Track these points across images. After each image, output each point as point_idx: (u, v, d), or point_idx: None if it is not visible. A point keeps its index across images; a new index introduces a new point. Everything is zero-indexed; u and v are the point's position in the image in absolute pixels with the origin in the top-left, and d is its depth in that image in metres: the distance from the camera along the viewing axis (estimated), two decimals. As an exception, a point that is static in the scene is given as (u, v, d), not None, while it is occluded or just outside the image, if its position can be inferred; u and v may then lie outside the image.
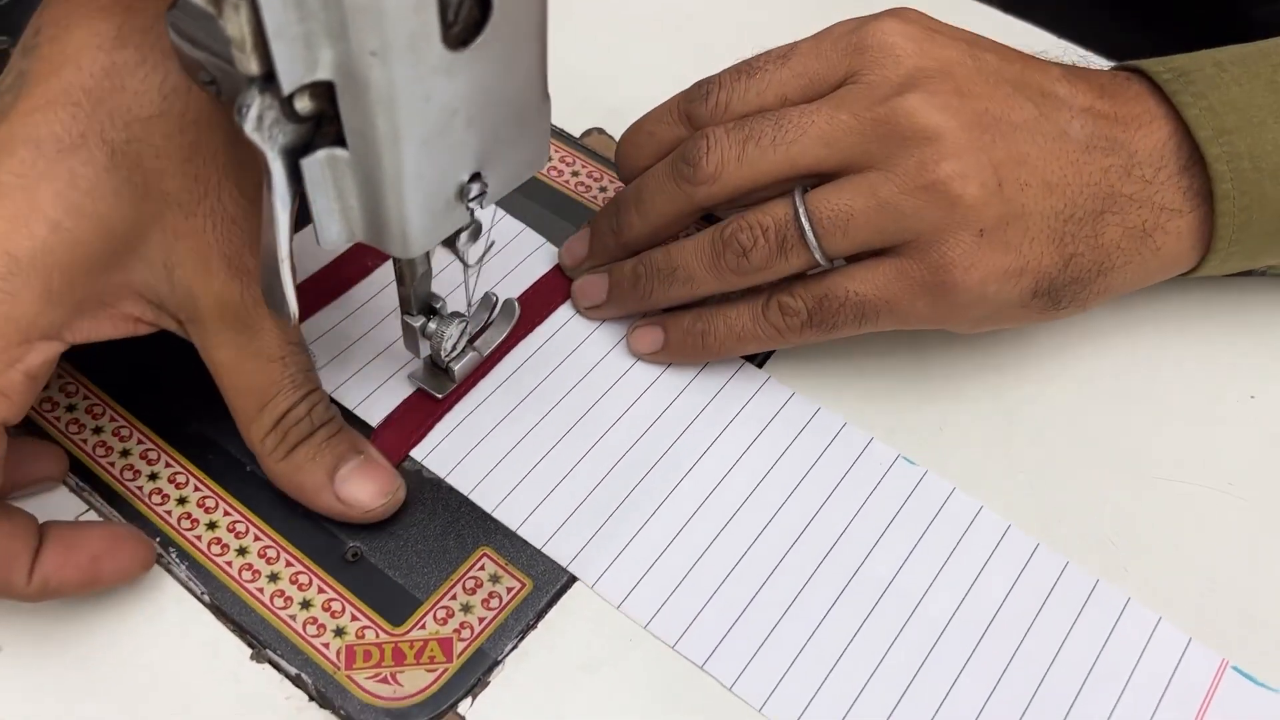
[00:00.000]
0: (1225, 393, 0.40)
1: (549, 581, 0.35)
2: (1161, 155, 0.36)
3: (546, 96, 0.31)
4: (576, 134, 0.47)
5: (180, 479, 0.37)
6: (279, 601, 0.34)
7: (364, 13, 0.25)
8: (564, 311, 0.41)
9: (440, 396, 0.38)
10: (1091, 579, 0.35)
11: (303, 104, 0.27)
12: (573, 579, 0.35)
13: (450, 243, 0.33)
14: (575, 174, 0.46)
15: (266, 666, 0.33)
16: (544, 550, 0.35)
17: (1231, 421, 0.40)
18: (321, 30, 0.25)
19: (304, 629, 0.34)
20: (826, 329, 0.37)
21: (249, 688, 0.33)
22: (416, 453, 0.38)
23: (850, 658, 0.33)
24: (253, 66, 0.26)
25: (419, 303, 0.35)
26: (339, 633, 0.34)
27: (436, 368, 0.39)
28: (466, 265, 0.34)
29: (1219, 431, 0.39)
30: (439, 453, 0.37)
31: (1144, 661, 0.34)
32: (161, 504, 0.36)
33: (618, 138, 0.41)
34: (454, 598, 0.34)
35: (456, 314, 0.36)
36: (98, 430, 0.37)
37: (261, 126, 0.27)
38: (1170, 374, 0.41)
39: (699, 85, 0.38)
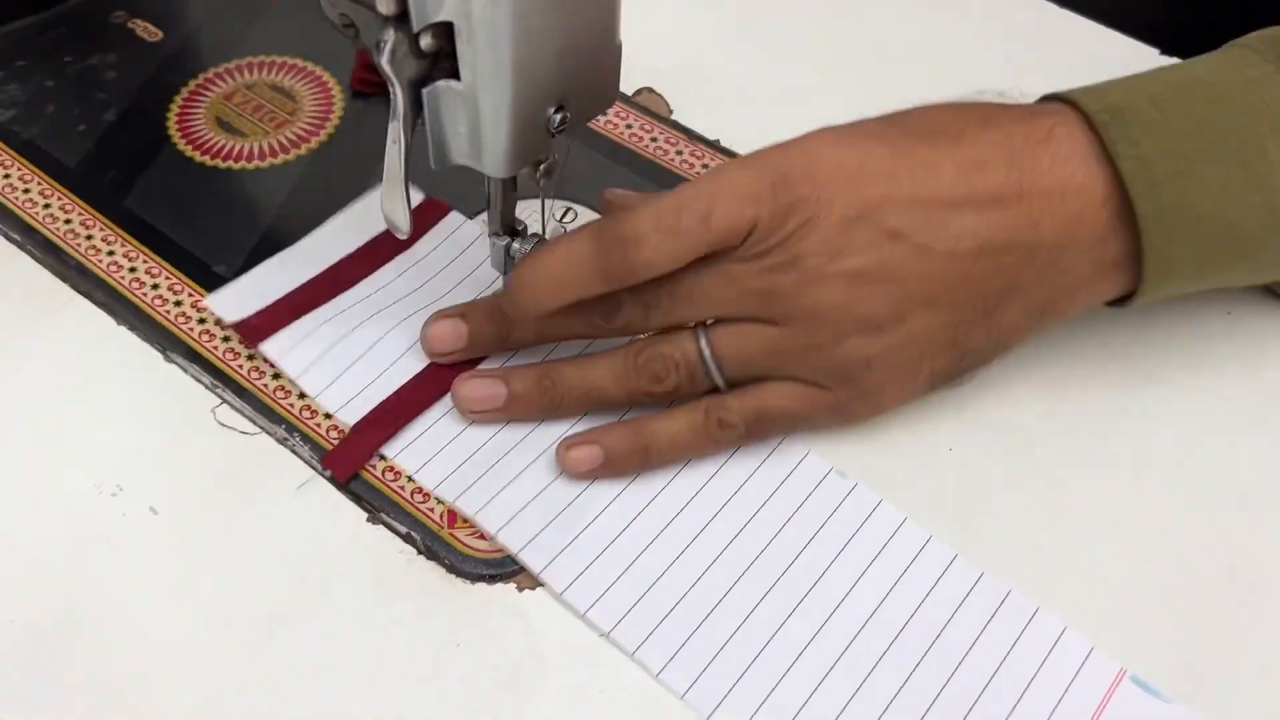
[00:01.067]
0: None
1: (617, 461, 0.41)
2: (1076, 227, 0.37)
3: (618, 40, 0.37)
4: (630, 92, 0.53)
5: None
6: (389, 475, 0.40)
7: (485, -38, 0.31)
8: None
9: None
10: (1005, 587, 0.37)
11: (426, 41, 0.33)
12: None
13: (532, 171, 0.39)
14: (629, 126, 0.52)
15: (381, 527, 0.39)
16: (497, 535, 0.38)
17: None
18: (448, -24, 0.31)
19: (411, 497, 0.40)
20: (759, 438, 0.40)
21: (368, 544, 0.39)
22: (388, 450, 0.40)
23: (770, 650, 0.36)
24: (391, 7, 0.32)
25: (505, 224, 0.41)
26: (441, 499, 0.40)
27: (516, 286, 0.44)
28: (542, 186, 0.39)
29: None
30: (411, 450, 0.40)
31: (1046, 667, 0.36)
32: (285, 398, 0.42)
33: (668, 97, 0.46)
34: (537, 473, 0.40)
35: (536, 234, 0.42)
36: (226, 339, 0.44)
37: (394, 59, 0.33)
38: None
39: (620, 235, 0.37)
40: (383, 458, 0.40)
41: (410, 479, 0.40)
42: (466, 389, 0.40)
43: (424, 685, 0.35)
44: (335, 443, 0.41)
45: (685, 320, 0.39)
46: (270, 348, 0.42)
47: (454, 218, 0.47)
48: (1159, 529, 0.39)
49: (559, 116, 0.37)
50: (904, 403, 0.40)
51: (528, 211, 0.42)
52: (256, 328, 0.43)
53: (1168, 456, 0.41)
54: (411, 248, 0.46)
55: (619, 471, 0.39)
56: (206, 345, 0.43)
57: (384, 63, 0.33)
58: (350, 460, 0.40)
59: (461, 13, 0.32)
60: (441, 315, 0.42)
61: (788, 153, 0.37)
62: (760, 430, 0.40)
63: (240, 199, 0.49)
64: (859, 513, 0.39)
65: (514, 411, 0.40)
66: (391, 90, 0.34)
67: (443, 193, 0.48)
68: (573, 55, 0.35)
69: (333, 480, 0.40)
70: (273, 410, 0.42)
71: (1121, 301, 0.40)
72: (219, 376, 0.42)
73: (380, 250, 0.46)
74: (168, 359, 0.43)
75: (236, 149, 0.50)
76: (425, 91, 0.34)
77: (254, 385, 0.42)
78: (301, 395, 0.42)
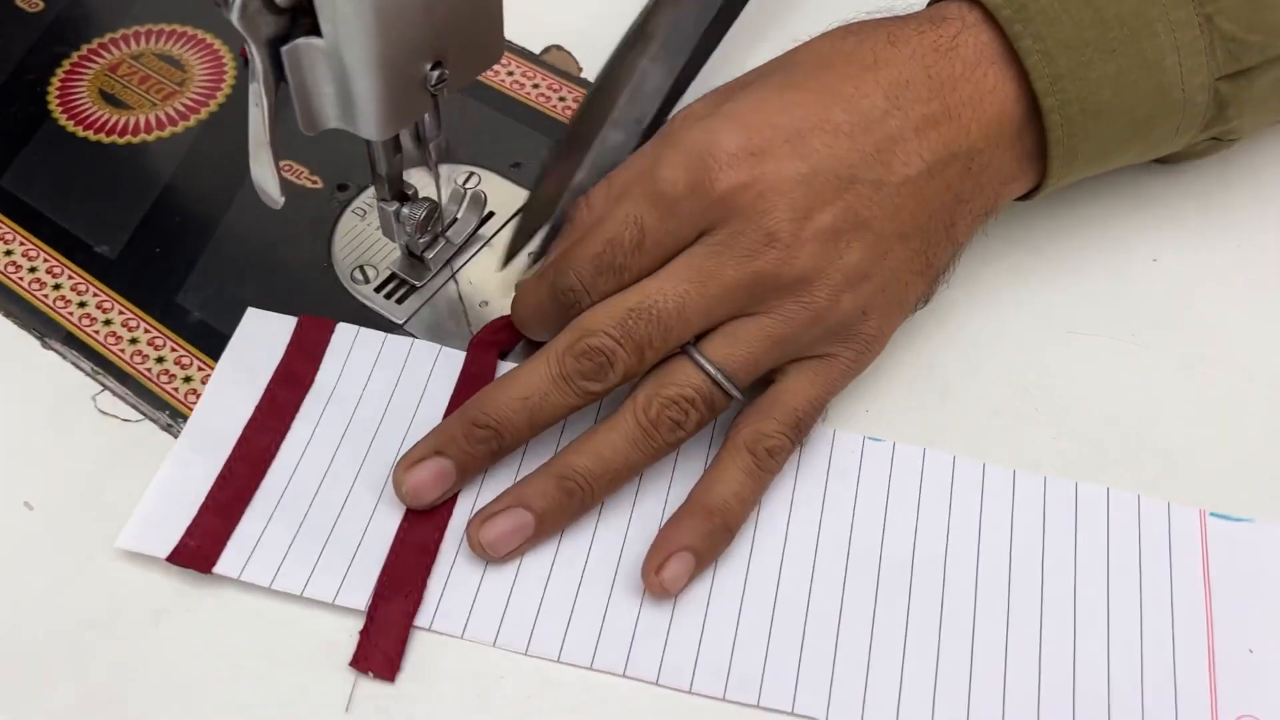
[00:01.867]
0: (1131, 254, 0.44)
1: (520, 436, 0.39)
2: (999, 126, 0.37)
3: (498, -3, 0.35)
4: (537, 50, 0.51)
5: (185, 360, 0.41)
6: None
7: (330, -95, 0.28)
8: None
9: (419, 284, 0.42)
10: (1070, 483, 0.37)
11: (281, -4, 0.31)
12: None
13: (417, 136, 0.37)
14: (535, 86, 0.49)
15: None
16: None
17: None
18: (295, -75, 0.29)
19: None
20: (803, 439, 0.38)
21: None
22: (420, 620, 0.35)
23: (846, 627, 0.35)
24: (236, -39, 0.30)
25: (392, 189, 0.39)
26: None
27: (413, 257, 0.42)
28: (427, 149, 0.37)
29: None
30: (445, 613, 0.35)
31: (1144, 543, 0.36)
32: (169, 382, 0.40)
33: (577, 55, 0.44)
34: (435, 451, 0.38)
35: (427, 198, 0.40)
36: (107, 323, 0.41)
37: (246, 15, 0.31)
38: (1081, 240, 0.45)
39: (561, 272, 0.37)
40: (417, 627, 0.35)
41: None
42: (490, 533, 0.35)
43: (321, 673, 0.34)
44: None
45: (680, 342, 0.36)
46: (227, 568, 0.35)
47: (344, 332, 0.41)
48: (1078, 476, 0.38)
49: (436, 74, 0.34)
50: (892, 334, 0.39)
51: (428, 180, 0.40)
52: (198, 551, 0.35)
53: (1092, 406, 0.40)
54: (313, 386, 0.39)
55: (710, 561, 0.36)
56: (87, 330, 0.41)
57: (235, 20, 0.31)
58: (386, 652, 0.34)
59: (314, -37, 0.30)
60: (412, 461, 0.36)
61: (712, 131, 0.36)
62: (802, 433, 0.37)
63: (125, 175, 0.46)
64: (908, 466, 0.38)
65: (547, 531, 0.36)
66: (248, 51, 0.32)
67: (325, 158, 0.45)
68: (445, 7, 0.33)
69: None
70: (156, 395, 0.40)
71: (1028, 195, 0.41)
72: (100, 362, 0.40)
73: (281, 404, 0.39)
74: (45, 345, 0.41)
75: (121, 123, 0.48)
76: (284, 50, 0.32)
77: (136, 370, 0.40)
78: (187, 379, 0.40)
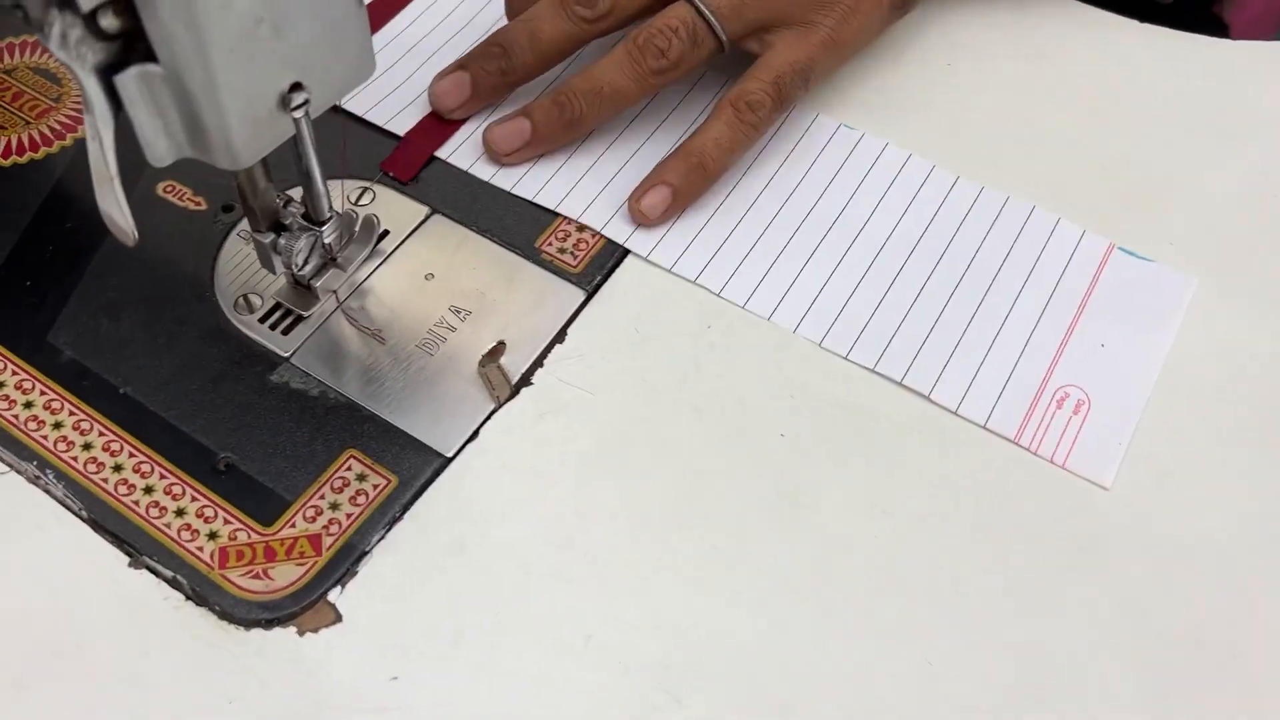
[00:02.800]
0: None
1: (415, 476, 0.37)
2: None
3: (360, 3, 0.32)
4: (437, 53, 0.48)
5: (55, 405, 0.38)
6: (154, 511, 0.36)
7: (143, -77, 0.26)
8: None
9: (306, 314, 0.40)
10: (1003, 195, 0.43)
11: (108, 21, 0.28)
12: (438, 471, 0.37)
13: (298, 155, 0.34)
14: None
15: (145, 572, 0.35)
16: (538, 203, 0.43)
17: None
18: (109, -56, 0.26)
19: (179, 535, 0.35)
20: (786, 105, 0.43)
21: (129, 591, 0.34)
22: (442, 152, 0.44)
23: (813, 265, 0.42)
24: (47, -14, 0.27)
25: (265, 218, 0.37)
26: (212, 536, 0.35)
27: (300, 286, 0.40)
28: (304, 171, 0.35)
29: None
30: (463, 150, 0.44)
31: (1045, 254, 0.42)
32: (38, 429, 0.37)
33: None
34: (322, 497, 0.36)
35: (306, 227, 0.37)
36: (-28, 365, 0.39)
37: (67, 45, 0.28)
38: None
39: None
40: (436, 159, 0.44)
41: (179, 512, 0.35)
42: (494, 133, 0.43)
43: (186, 753, 0.32)
44: (94, 479, 0.36)
45: None
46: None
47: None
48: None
49: (297, 96, 0.32)
50: (874, 29, 0.45)
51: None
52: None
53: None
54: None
55: (689, 200, 0.43)
56: (-51, 374, 0.38)
57: (54, 49, 0.28)
58: (409, 158, 0.44)
59: (137, -16, 0.27)
60: (441, 74, 0.45)
61: None
62: (783, 95, 0.43)
63: (-5, 201, 0.43)
64: (869, 155, 0.45)
65: (542, 139, 0.43)
66: (75, 81, 0.29)
67: (208, 178, 0.43)
68: (298, 24, 0.30)
69: (92, 520, 0.35)
70: (22, 444, 0.37)
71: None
72: (-38, 410, 0.38)
73: None
74: (-96, 393, 0.38)
75: (-8, 144, 0.45)
76: (117, 80, 0.29)
77: (3, 418, 0.37)
78: (57, 425, 0.37)
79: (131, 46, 0.29)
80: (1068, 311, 0.41)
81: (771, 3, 0.42)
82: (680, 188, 0.42)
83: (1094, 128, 0.46)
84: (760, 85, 0.42)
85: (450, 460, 0.37)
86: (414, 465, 0.37)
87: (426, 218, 0.43)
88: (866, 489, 0.37)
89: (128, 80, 0.29)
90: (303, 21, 0.30)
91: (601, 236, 0.42)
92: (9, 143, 0.45)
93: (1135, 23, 0.49)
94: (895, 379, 0.39)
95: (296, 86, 0.32)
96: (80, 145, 0.45)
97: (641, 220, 0.42)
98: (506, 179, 0.44)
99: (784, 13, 0.43)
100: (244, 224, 0.42)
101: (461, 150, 0.45)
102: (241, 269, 0.41)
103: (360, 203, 0.43)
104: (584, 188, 0.43)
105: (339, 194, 0.43)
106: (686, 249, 0.42)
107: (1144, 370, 0.39)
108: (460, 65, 0.44)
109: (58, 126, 0.45)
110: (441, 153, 0.45)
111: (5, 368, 0.39)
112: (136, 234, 0.33)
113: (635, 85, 0.42)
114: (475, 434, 0.38)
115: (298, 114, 0.32)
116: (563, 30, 0.43)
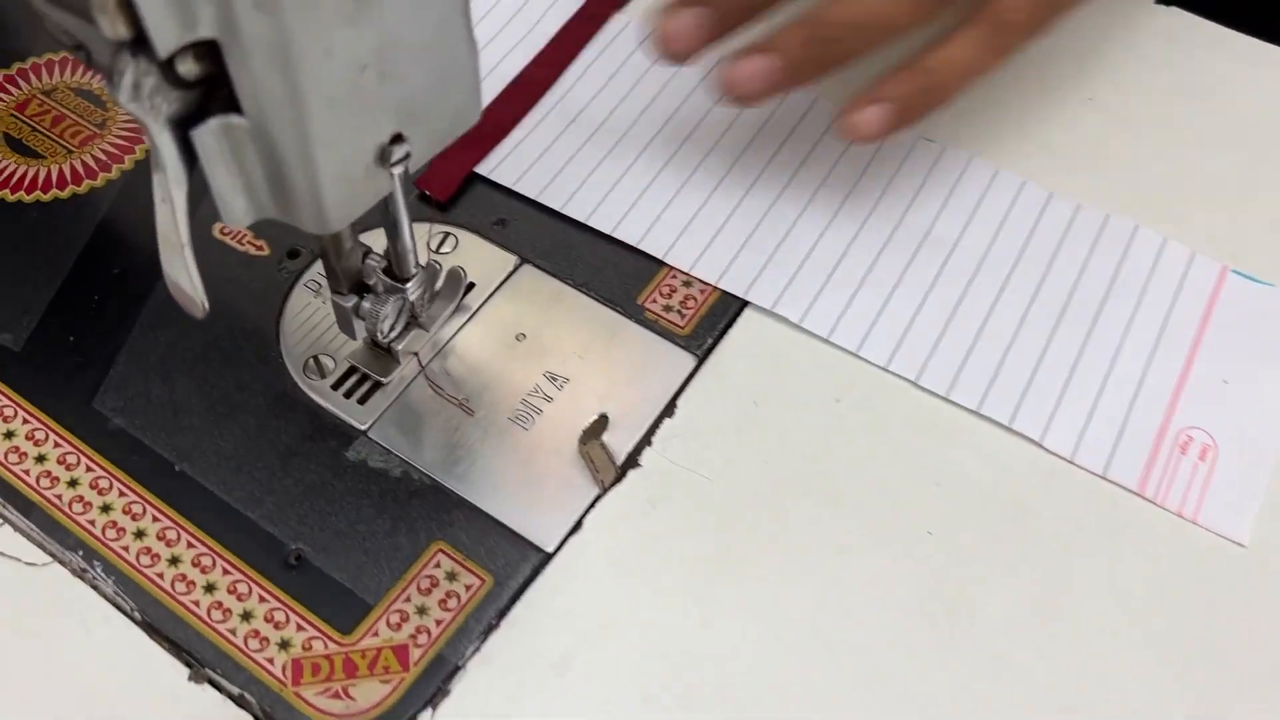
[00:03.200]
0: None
1: (511, 574, 0.32)
2: None
3: (473, 42, 0.28)
4: (521, 78, 0.44)
5: (104, 484, 0.33)
6: (217, 615, 0.31)
7: (240, -43, 0.21)
8: (602, 39, 0.44)
9: (385, 380, 0.35)
10: (1102, 214, 0.39)
11: (186, 67, 0.24)
12: (538, 569, 0.32)
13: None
14: (521, 122, 0.42)
15: (207, 687, 0.30)
16: (619, 238, 0.38)
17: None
18: (196, -21, 0.22)
19: (245, 643, 0.31)
20: (1042, 29, 0.36)
21: (189, 710, 0.30)
22: (482, 168, 0.40)
23: (899, 295, 0.38)
24: (120, 29, 0.22)
25: (349, 280, 0.32)
26: (284, 645, 0.31)
27: (378, 348, 0.35)
28: (392, 228, 0.30)
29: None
30: (506, 166, 0.40)
31: (1154, 278, 0.38)
32: (84, 513, 0.33)
33: None
34: (408, 600, 0.32)
35: (393, 288, 0.33)
36: (9, 435, 0.34)
37: (140, 96, 0.23)
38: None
39: None
40: (477, 176, 0.40)
41: (242, 616, 0.31)
42: (735, 73, 0.35)
43: None
44: (148, 574, 0.32)
45: None
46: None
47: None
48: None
49: (398, 150, 0.27)
50: None
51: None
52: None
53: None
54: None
55: (910, 122, 0.35)
56: (-17, 444, 0.34)
57: (124, 101, 0.23)
58: (445, 178, 0.39)
59: (224, 27, 0.23)
60: (668, 10, 0.35)
61: None
62: (1042, 19, 0.35)
63: (33, 243, 0.39)
64: (957, 170, 0.41)
65: (794, 79, 0.35)
66: (146, 135, 0.24)
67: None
68: (406, 68, 0.26)
69: (146, 624, 0.31)
70: (67, 530, 0.33)
71: None
72: (-1, 487, 0.33)
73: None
74: (-67, 466, 0.34)
75: (30, 175, 0.40)
76: (194, 134, 0.25)
77: (44, 498, 0.33)
78: (105, 508, 0.33)
79: (212, 94, 0.25)
80: (1183, 344, 0.37)
81: None
82: (905, 108, 0.35)
83: (1216, 151, 0.41)
84: (1028, 3, 0.34)
85: (551, 556, 0.33)
86: (510, 561, 0.32)
87: (516, 268, 0.38)
88: (1029, 595, 0.32)
89: (206, 134, 0.25)
90: (413, 66, 0.26)
91: (713, 291, 0.38)
92: (48, 174, 0.40)
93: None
94: (1003, 422, 0.35)
95: (397, 138, 0.27)
96: (128, 177, 0.40)
97: (852, 135, 0.35)
98: (606, 219, 0.39)
99: None
100: (311, 271, 0.38)
101: (504, 166, 0.40)
102: (310, 325, 0.37)
103: (441, 250, 0.39)
104: (695, 234, 0.39)
105: (419, 239, 0.38)
106: (816, 299, 0.37)
107: (1273, 409, 0.35)
108: (768, 48, 0.35)
109: (102, 156, 0.41)
110: (481, 168, 0.40)
111: (47, 438, 0.34)
112: (207, 305, 0.28)
113: (912, 13, 0.34)
114: (578, 525, 0.33)
115: (397, 169, 0.27)
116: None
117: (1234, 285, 0.38)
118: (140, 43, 0.23)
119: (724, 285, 0.38)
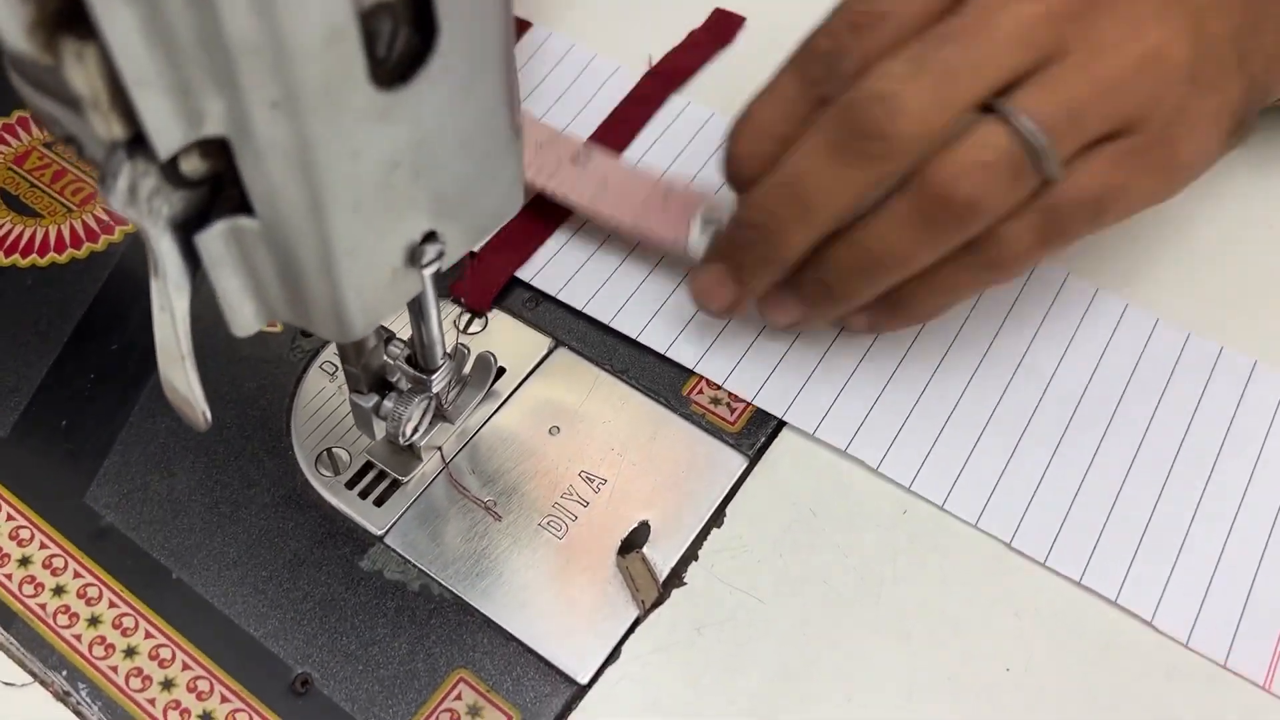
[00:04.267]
0: None
1: (540, 711, 0.29)
2: None
3: (517, 131, 0.24)
4: (558, 138, 0.40)
5: (93, 592, 0.30)
6: (217, 752, 0.28)
7: (256, 55, 0.18)
8: (652, 128, 0.40)
9: (405, 479, 0.32)
10: (1216, 345, 0.35)
11: (191, 165, 0.20)
12: (570, 705, 0.29)
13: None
14: (558, 187, 0.39)
15: (199, 835, 0.27)
16: (670, 356, 0.35)
17: None
18: (204, 76, 0.19)
19: (247, 787, 0.28)
20: (1057, 244, 0.29)
21: None
22: (523, 273, 0.36)
23: (989, 435, 0.33)
24: (115, 129, 0.19)
25: (370, 380, 0.29)
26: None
27: (397, 445, 0.32)
28: (422, 324, 0.27)
29: None
30: (548, 272, 0.36)
31: (1274, 432, 0.33)
32: (69, 626, 0.30)
33: None
34: (426, 738, 0.28)
35: (418, 385, 0.30)
36: (-9, 533, 0.31)
37: (136, 200, 0.20)
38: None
39: (815, 54, 0.29)
40: (518, 281, 0.36)
41: (244, 754, 0.28)
42: (770, 317, 0.33)
43: None
44: (138, 699, 0.29)
45: (981, 83, 0.27)
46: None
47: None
48: None
49: (431, 249, 0.24)
50: (1209, 158, 0.31)
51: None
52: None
53: None
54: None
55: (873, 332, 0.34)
56: (-38, 544, 0.31)
57: (118, 207, 0.20)
58: (483, 286, 0.36)
59: (236, 125, 0.19)
60: (700, 268, 0.33)
61: None
62: (1057, 232, 0.29)
63: (26, 313, 0.36)
64: (1051, 288, 0.36)
65: (813, 319, 0.33)
66: (144, 239, 0.21)
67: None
68: (442, 163, 0.23)
69: None
70: (49, 646, 0.29)
71: None
72: (-23, 594, 0.30)
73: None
74: (-94, 567, 0.31)
75: (27, 237, 0.37)
76: (198, 239, 0.21)
77: (27, 607, 0.30)
78: (93, 621, 0.30)
79: (219, 193, 0.22)
80: None
81: (1118, 105, 0.28)
82: (884, 323, 0.32)
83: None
84: (1028, 223, 0.29)
85: (585, 689, 0.29)
86: (539, 694, 0.29)
87: (550, 351, 0.35)
88: (1119, 750, 0.29)
89: (213, 239, 0.22)
90: (451, 159, 0.23)
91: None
92: (46, 235, 0.37)
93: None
94: (1109, 597, 0.31)
95: (430, 236, 0.24)
96: (131, 240, 0.37)
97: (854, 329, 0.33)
98: (630, 324, 0.35)
99: (1127, 123, 0.28)
100: (327, 351, 0.35)
101: (546, 272, 0.36)
102: (325, 413, 0.33)
103: (470, 331, 0.35)
104: (727, 345, 0.35)
105: (446, 319, 0.35)
106: (862, 424, 0.34)
107: None
108: (718, 254, 0.32)
109: (104, 217, 0.37)
110: (522, 273, 0.36)
111: (33, 538, 0.31)
112: (210, 417, 0.25)
113: (929, 251, 0.29)
114: (615, 652, 0.30)
115: (428, 271, 0.24)
116: (847, 188, 0.28)
117: None
118: (138, 141, 0.19)
119: (760, 403, 0.34)
